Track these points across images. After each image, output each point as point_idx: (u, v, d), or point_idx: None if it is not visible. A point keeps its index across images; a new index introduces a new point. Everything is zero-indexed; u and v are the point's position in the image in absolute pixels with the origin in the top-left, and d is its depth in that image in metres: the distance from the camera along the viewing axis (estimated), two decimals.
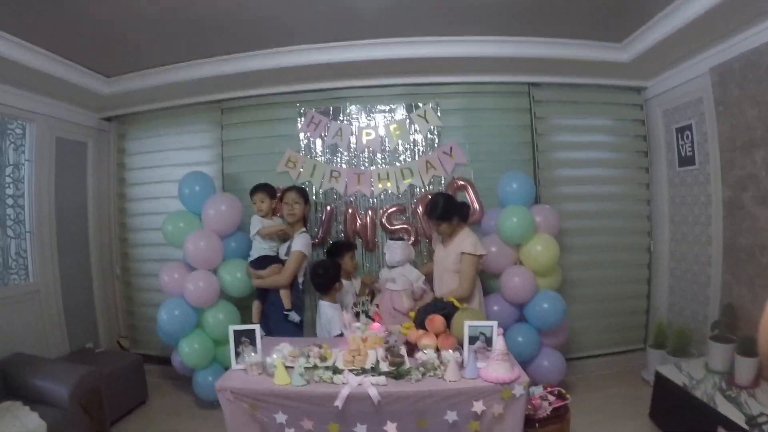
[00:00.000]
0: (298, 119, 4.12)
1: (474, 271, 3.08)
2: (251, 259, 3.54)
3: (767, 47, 2.91)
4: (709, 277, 3.60)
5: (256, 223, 3.53)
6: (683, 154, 3.85)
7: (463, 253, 3.07)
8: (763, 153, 2.99)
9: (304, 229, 3.59)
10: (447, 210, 3.11)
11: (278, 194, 3.72)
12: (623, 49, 3.73)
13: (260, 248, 3.52)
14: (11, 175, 3.70)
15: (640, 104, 4.28)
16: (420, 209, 3.90)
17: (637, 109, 4.29)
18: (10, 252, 3.65)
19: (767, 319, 0.90)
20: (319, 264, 3.44)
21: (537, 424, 2.37)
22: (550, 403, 2.42)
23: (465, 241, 3.10)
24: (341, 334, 2.99)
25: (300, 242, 3.42)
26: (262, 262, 3.48)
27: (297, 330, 3.41)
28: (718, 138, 3.42)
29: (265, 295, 3.50)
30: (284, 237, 3.57)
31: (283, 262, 3.46)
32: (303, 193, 3.61)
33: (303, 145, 4.12)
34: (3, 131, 3.64)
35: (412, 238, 3.95)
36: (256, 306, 3.55)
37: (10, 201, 3.67)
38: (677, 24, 3.12)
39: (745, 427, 2.37)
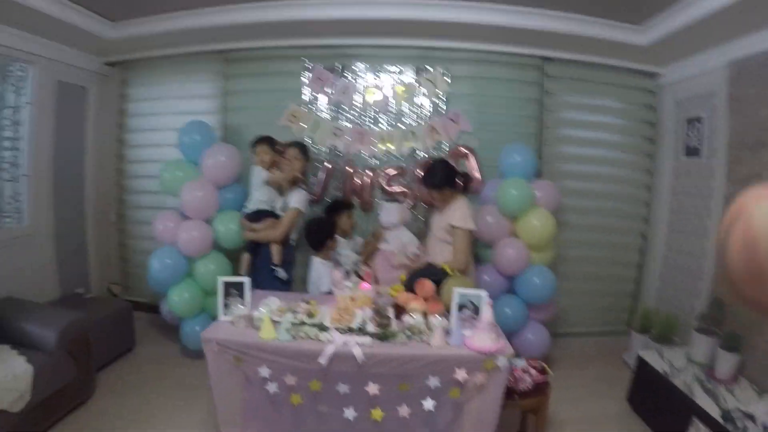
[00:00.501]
0: (304, 74, 4.05)
1: (466, 243, 3.02)
2: (247, 211, 3.51)
3: None
4: (701, 269, 3.60)
5: (261, 173, 3.51)
6: (690, 146, 3.81)
7: (453, 226, 3.03)
8: None
9: (302, 185, 3.57)
10: (443, 179, 3.05)
11: (279, 148, 3.68)
12: (642, 32, 3.63)
13: (258, 201, 3.49)
14: (10, 118, 3.64)
15: (652, 90, 4.22)
16: (420, 174, 3.85)
17: (649, 95, 4.23)
18: (4, 195, 3.63)
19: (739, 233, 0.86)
20: (314, 221, 3.44)
21: (517, 396, 2.40)
22: (531, 377, 2.44)
23: (455, 212, 3.04)
24: (329, 292, 2.99)
25: (297, 198, 3.40)
26: (258, 215, 3.45)
27: (284, 286, 3.40)
28: (728, 133, 3.38)
29: (257, 248, 3.49)
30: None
31: (278, 217, 3.45)
32: (304, 150, 3.57)
33: (307, 101, 4.07)
34: (3, 73, 3.57)
35: (411, 203, 3.94)
36: (245, 258, 3.54)
37: (7, 144, 3.63)
38: (701, 12, 3.02)
39: (720, 420, 2.40)
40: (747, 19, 2.95)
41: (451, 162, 3.76)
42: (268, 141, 3.61)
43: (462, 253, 3.00)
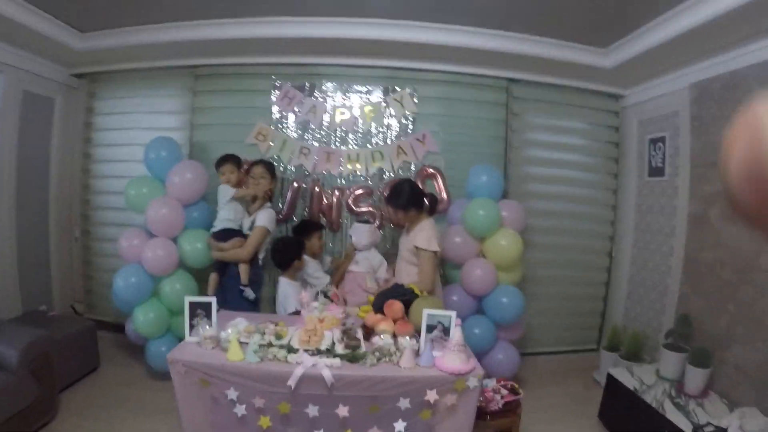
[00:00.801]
0: (272, 92, 4.05)
1: (431, 265, 2.99)
2: (214, 230, 3.46)
3: (748, 70, 2.97)
4: (667, 286, 3.69)
5: (228, 191, 3.46)
6: (654, 165, 3.92)
7: (417, 248, 3.01)
8: None
9: (269, 204, 3.54)
10: (409, 200, 3.04)
11: (244, 167, 3.65)
12: (607, 55, 3.73)
13: (225, 220, 3.44)
14: None
15: (616, 111, 4.34)
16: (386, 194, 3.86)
17: (612, 116, 4.35)
18: None
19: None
20: (280, 240, 3.42)
21: (488, 417, 2.39)
22: (502, 397, 2.44)
23: (419, 234, 3.02)
24: (296, 312, 2.96)
25: (264, 217, 3.36)
26: (225, 234, 3.41)
27: (252, 306, 3.36)
28: (690, 153, 3.49)
29: (224, 268, 3.44)
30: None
31: (245, 236, 3.41)
32: (270, 168, 3.55)
33: (275, 119, 4.06)
34: None
35: (377, 222, 3.94)
36: (213, 278, 3.49)
37: None
38: (664, 37, 3.13)
39: None
40: (707, 43, 3.07)
41: (419, 182, 3.79)
42: (233, 159, 3.58)
43: (427, 275, 2.97)
